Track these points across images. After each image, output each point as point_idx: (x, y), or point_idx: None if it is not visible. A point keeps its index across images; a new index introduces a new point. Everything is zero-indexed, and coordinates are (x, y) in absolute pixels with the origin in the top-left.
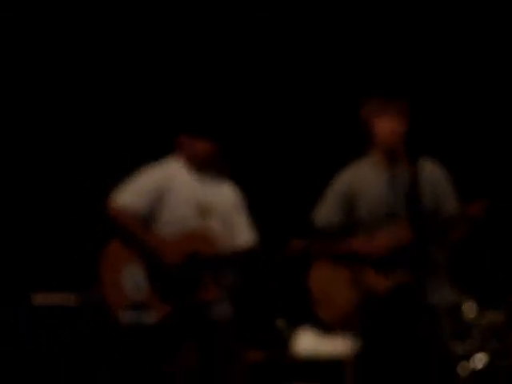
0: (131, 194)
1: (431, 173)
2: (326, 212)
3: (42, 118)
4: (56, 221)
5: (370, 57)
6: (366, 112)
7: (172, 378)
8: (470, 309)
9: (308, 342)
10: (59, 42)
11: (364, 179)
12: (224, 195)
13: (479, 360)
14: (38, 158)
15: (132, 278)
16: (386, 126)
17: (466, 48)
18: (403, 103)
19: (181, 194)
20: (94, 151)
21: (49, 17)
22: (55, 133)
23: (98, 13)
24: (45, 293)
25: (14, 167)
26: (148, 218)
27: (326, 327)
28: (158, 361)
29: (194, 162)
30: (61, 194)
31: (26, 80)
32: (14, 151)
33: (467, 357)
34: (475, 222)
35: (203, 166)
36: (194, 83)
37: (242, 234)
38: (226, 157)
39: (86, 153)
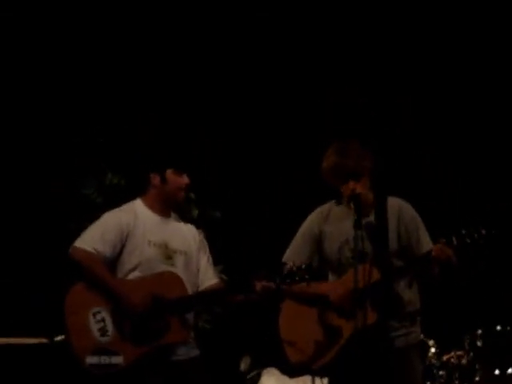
0: (95, 238)
1: (400, 212)
2: (295, 253)
3: None
4: (19, 266)
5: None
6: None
7: None
8: (432, 349)
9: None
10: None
11: (331, 221)
12: (188, 237)
13: None
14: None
15: (98, 322)
16: (348, 189)
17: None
18: (366, 158)
19: (145, 236)
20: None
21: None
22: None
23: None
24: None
25: None
26: (113, 261)
27: (291, 369)
28: None
29: (162, 200)
30: (25, 237)
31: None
32: None
33: None
34: (444, 263)
35: (170, 205)
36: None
37: (207, 274)
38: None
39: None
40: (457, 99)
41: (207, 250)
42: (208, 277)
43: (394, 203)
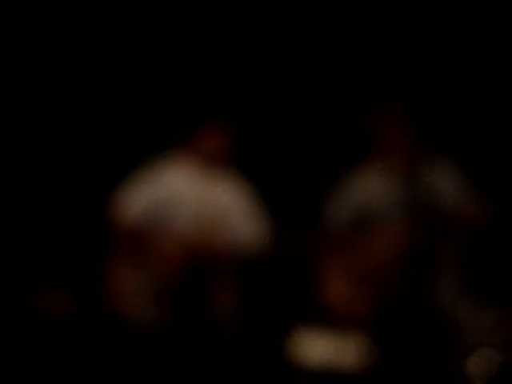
0: (131, 204)
1: (446, 175)
2: (340, 214)
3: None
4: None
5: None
6: (377, 121)
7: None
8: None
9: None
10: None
11: (374, 188)
12: (232, 198)
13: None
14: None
15: (137, 283)
16: (397, 138)
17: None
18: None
19: (182, 198)
20: (94, 149)
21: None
22: (56, 129)
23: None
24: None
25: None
26: (149, 227)
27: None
28: (161, 369)
29: (203, 157)
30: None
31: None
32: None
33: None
34: (482, 223)
35: (212, 162)
36: (198, 74)
37: (249, 235)
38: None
39: (84, 151)
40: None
41: (252, 207)
42: (251, 236)
43: (441, 166)
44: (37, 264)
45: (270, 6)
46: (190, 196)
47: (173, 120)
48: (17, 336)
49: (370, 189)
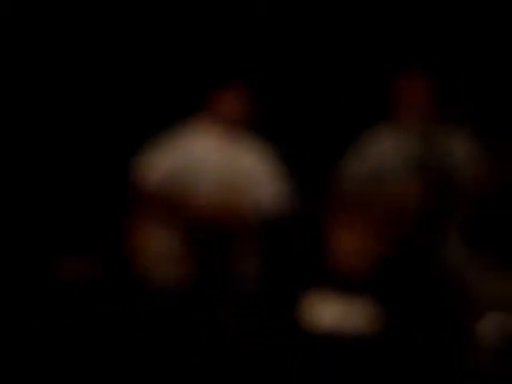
0: (154, 167)
1: (461, 142)
2: (354, 181)
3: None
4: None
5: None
6: (399, 83)
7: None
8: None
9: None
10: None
11: (389, 149)
12: (252, 161)
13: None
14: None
15: (164, 243)
16: (417, 100)
17: None
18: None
19: (205, 164)
20: (116, 113)
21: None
22: (79, 96)
23: None
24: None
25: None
26: (173, 190)
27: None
28: (190, 326)
29: (222, 120)
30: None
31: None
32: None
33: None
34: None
35: (232, 125)
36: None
37: (270, 197)
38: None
39: (109, 116)
40: None
41: (274, 172)
42: (273, 202)
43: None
44: (63, 228)
45: None
46: (211, 160)
47: (192, 84)
48: (45, 300)
49: (383, 148)
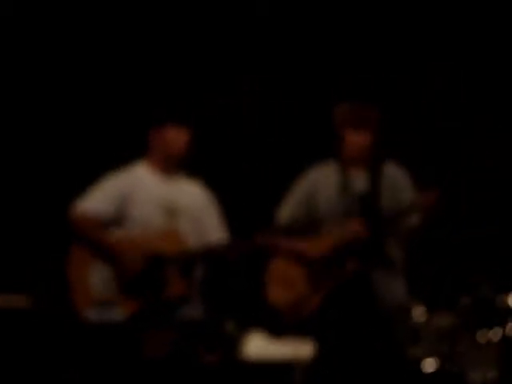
0: (94, 200)
1: (393, 178)
2: (289, 209)
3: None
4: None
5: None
6: (337, 120)
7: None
8: (419, 312)
9: (258, 346)
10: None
11: (324, 181)
12: (193, 195)
13: (430, 364)
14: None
15: (98, 276)
16: (354, 141)
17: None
18: (374, 112)
19: (146, 195)
20: (62, 156)
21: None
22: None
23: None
24: None
25: None
26: (114, 222)
27: (278, 329)
28: (125, 357)
29: (165, 156)
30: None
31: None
32: None
33: (418, 361)
34: (427, 211)
35: (174, 162)
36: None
37: (213, 233)
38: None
39: (52, 157)
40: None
41: (215, 207)
42: (215, 234)
43: (388, 169)
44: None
45: None
46: (153, 193)
47: (134, 123)
48: None
49: (320, 175)
